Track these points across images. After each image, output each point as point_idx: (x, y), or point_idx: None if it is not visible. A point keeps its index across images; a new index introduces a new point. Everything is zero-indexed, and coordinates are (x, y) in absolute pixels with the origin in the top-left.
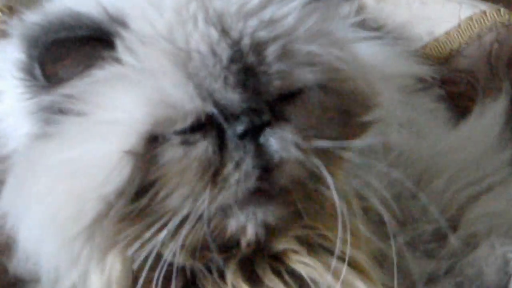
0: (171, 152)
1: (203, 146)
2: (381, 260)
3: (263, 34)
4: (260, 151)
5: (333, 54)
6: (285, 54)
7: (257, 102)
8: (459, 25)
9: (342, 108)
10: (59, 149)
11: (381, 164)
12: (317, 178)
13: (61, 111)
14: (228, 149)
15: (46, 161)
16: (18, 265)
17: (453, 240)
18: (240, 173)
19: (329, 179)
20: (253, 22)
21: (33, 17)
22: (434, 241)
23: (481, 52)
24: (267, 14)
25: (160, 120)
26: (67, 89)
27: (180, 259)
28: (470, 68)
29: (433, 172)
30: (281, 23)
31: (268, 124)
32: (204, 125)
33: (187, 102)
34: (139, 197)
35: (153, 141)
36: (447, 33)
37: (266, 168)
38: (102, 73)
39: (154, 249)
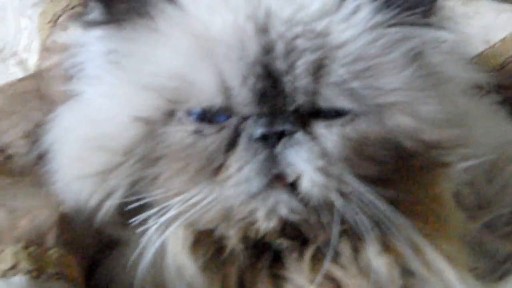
0: (181, 136)
1: (213, 140)
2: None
3: (302, 43)
4: (273, 160)
5: (376, 86)
6: (318, 70)
7: (277, 110)
8: None
9: (395, 144)
10: (96, 94)
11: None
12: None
13: (113, 58)
14: (237, 150)
15: (86, 100)
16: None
17: None
18: (240, 177)
19: (338, 207)
20: (297, 29)
21: None
22: (511, 224)
23: None
24: (319, 25)
25: (179, 96)
26: (117, 34)
27: (232, 241)
28: None
29: (504, 159)
30: (327, 38)
31: (288, 134)
32: (222, 117)
33: (205, 88)
34: (149, 165)
35: (168, 116)
36: (503, 41)
37: (277, 177)
38: (145, 33)
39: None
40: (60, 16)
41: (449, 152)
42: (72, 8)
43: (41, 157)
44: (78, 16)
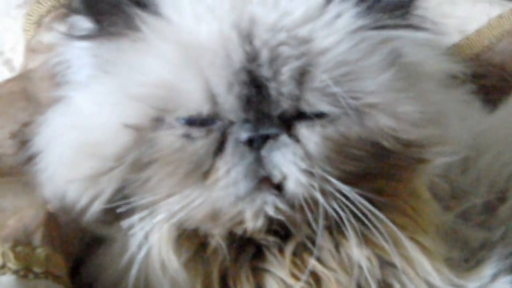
0: (171, 140)
1: (201, 144)
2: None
3: (286, 50)
4: (260, 163)
5: (357, 89)
6: (301, 76)
7: (262, 115)
8: (489, 23)
9: (374, 144)
10: (84, 100)
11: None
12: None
13: (101, 67)
14: (225, 153)
15: (74, 105)
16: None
17: (503, 211)
18: (228, 180)
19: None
20: (281, 36)
21: None
22: (485, 213)
23: None
24: (303, 31)
25: (166, 104)
26: (106, 44)
27: (216, 238)
28: (501, 63)
29: (478, 150)
30: (310, 44)
31: (273, 137)
32: (209, 122)
33: (192, 96)
34: (139, 170)
35: (157, 122)
36: (478, 31)
37: (264, 179)
38: (132, 44)
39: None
40: (44, 17)
41: (427, 150)
42: (57, 9)
43: (30, 159)
44: (63, 18)
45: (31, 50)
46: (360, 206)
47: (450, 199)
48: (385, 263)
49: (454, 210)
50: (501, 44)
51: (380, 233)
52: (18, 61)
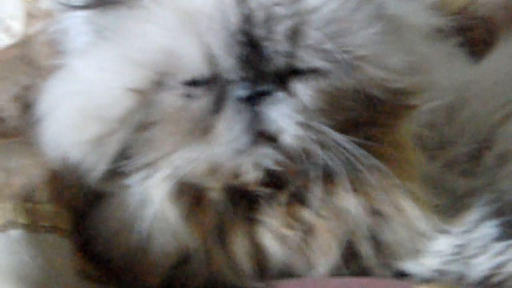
0: (172, 100)
1: (202, 102)
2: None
3: (279, 9)
4: (257, 118)
5: (348, 44)
6: (295, 34)
7: (258, 73)
8: None
9: (365, 94)
10: (86, 67)
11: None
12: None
13: (99, 33)
14: (224, 111)
15: (76, 72)
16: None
17: (488, 158)
18: (228, 136)
19: (322, 156)
20: None
21: None
22: (470, 161)
23: None
24: None
25: (167, 68)
26: (104, 13)
27: (214, 191)
28: (486, 14)
29: (464, 99)
30: (302, 3)
31: (269, 93)
32: (208, 83)
33: (191, 59)
34: (142, 130)
35: (158, 85)
36: None
37: (262, 133)
38: (131, 11)
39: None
40: None
41: (414, 97)
42: None
43: (33, 124)
44: None
45: (30, 16)
46: (354, 153)
47: (436, 148)
48: (374, 211)
49: (440, 159)
50: None
51: (372, 181)
52: (18, 27)
